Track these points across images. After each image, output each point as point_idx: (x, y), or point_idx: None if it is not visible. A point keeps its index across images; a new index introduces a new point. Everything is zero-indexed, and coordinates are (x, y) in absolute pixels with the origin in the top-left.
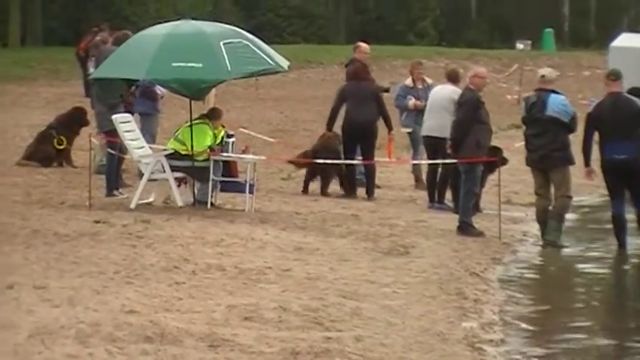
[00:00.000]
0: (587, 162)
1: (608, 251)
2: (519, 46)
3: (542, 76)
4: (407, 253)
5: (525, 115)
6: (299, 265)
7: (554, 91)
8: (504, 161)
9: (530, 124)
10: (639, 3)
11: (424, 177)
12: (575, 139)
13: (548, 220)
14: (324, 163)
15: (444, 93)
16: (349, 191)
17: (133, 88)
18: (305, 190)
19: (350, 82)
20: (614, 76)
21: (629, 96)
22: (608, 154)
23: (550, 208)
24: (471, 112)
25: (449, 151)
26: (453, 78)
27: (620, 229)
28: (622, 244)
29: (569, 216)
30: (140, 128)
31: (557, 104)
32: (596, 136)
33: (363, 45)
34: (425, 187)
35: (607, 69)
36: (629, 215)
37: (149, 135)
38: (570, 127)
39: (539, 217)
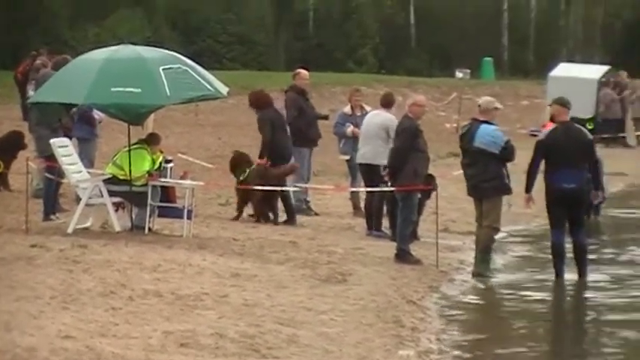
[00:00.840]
0: (529, 189)
1: (545, 280)
2: (458, 74)
3: (479, 105)
4: (345, 280)
5: (459, 145)
6: (236, 292)
7: (487, 122)
8: (435, 187)
9: (463, 154)
10: (577, 34)
11: (362, 204)
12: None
13: (475, 252)
14: (258, 190)
15: (377, 120)
16: (290, 218)
17: (73, 111)
18: (238, 217)
19: (273, 109)
20: (565, 104)
21: (579, 126)
22: (558, 183)
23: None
24: (409, 141)
25: (386, 178)
26: (386, 103)
27: (559, 259)
28: (559, 274)
29: (509, 245)
30: (78, 153)
31: (484, 135)
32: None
33: (302, 72)
34: (363, 215)
35: (546, 99)
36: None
37: (87, 159)
38: (502, 157)
39: (475, 244)
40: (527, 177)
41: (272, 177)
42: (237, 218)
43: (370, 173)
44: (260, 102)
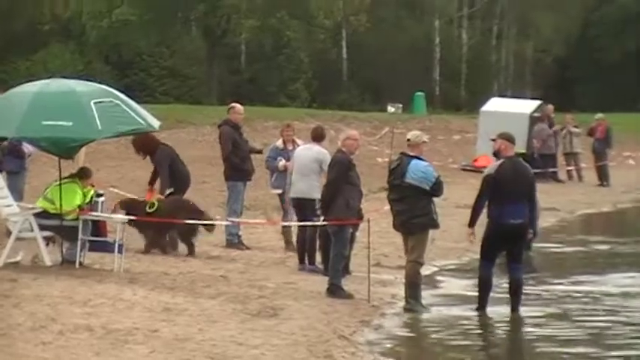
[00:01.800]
0: (473, 223)
1: (476, 314)
2: (390, 109)
3: (408, 140)
4: (276, 315)
5: (387, 180)
6: (167, 326)
7: (417, 157)
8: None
9: (391, 189)
10: (508, 69)
11: (294, 239)
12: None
13: (405, 287)
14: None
15: (310, 154)
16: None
17: (3, 144)
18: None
19: (163, 145)
20: (511, 139)
21: (525, 163)
22: (506, 218)
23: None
24: (341, 174)
25: (319, 212)
26: (316, 136)
27: (486, 291)
28: (483, 306)
29: (440, 279)
30: (7, 186)
31: (416, 171)
32: None
33: (237, 106)
34: (295, 249)
35: (477, 133)
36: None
37: (16, 193)
38: (432, 193)
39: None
40: (472, 211)
41: (193, 209)
42: (147, 251)
43: (303, 208)
44: (149, 146)
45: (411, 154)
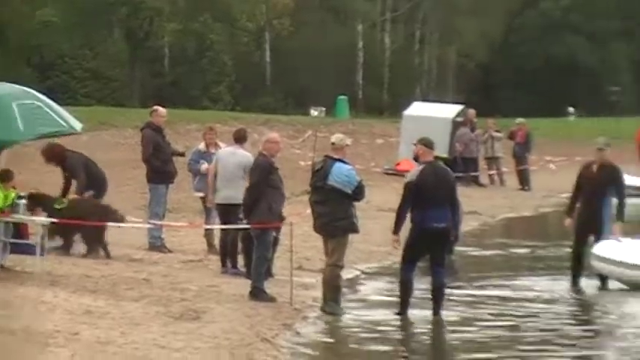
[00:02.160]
0: (397, 230)
1: (397, 318)
2: (313, 112)
3: (332, 143)
4: (198, 318)
5: (310, 182)
6: (89, 329)
7: (341, 160)
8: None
9: (314, 192)
10: (431, 73)
11: (217, 242)
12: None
13: (323, 290)
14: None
15: (234, 160)
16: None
17: None
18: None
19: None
20: (430, 145)
21: (445, 167)
22: (429, 222)
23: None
24: (263, 178)
25: (241, 215)
26: (239, 138)
27: (407, 295)
28: (404, 310)
29: (362, 282)
30: None
31: (339, 174)
32: None
33: (160, 109)
34: (217, 252)
35: (400, 137)
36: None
37: None
38: (354, 197)
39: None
40: (396, 218)
41: (108, 211)
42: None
43: (228, 212)
44: (58, 155)
45: (335, 157)
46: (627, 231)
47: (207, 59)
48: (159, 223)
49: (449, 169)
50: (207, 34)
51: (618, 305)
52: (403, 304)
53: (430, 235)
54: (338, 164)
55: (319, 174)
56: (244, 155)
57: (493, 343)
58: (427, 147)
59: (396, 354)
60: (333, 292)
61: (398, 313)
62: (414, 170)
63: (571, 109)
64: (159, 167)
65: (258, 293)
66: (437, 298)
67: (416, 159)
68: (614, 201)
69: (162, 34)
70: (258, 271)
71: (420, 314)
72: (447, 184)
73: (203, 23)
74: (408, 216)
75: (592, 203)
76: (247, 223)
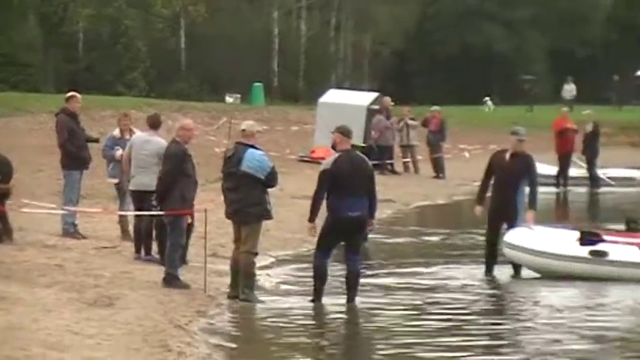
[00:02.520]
0: (313, 218)
1: (312, 305)
2: (228, 99)
3: (243, 130)
4: (112, 304)
5: (222, 168)
6: (2, 315)
7: (253, 146)
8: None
9: (226, 178)
10: (346, 61)
11: (131, 228)
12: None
13: (240, 278)
14: None
15: (149, 147)
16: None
17: None
18: None
19: None
20: (347, 133)
21: (362, 155)
22: (344, 211)
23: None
24: (176, 165)
25: (154, 202)
26: (153, 123)
27: (321, 282)
28: (319, 297)
29: (277, 270)
30: None
31: (252, 160)
32: None
33: (77, 95)
34: (131, 239)
35: (316, 124)
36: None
37: None
38: (266, 183)
39: (232, 267)
40: (311, 206)
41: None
42: None
43: (142, 199)
44: None
45: (247, 143)
46: (538, 219)
47: (122, 45)
48: (72, 209)
49: (366, 158)
50: (122, 19)
51: (529, 293)
52: (317, 291)
53: (345, 224)
54: (250, 150)
55: (232, 160)
56: (158, 142)
57: (406, 330)
58: (344, 135)
59: (310, 341)
60: (247, 279)
61: (312, 300)
62: (329, 158)
63: (487, 99)
64: (73, 153)
65: (171, 280)
66: (351, 286)
67: (334, 147)
68: (527, 189)
69: (77, 20)
70: (172, 258)
71: (334, 301)
72: (363, 172)
73: (117, 9)
74: (325, 203)
75: (505, 192)
76: (160, 210)
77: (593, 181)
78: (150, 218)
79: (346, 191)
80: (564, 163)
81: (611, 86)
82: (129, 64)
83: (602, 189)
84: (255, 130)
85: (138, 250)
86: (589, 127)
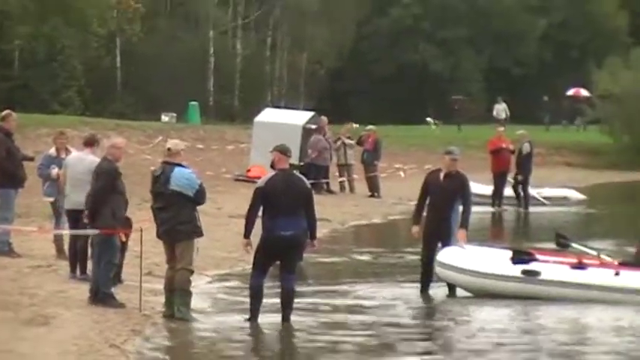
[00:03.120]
0: (247, 234)
1: (245, 325)
2: (164, 118)
3: (169, 149)
4: (47, 323)
5: (151, 188)
6: None
7: (180, 165)
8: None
9: (155, 198)
10: (282, 80)
11: (66, 247)
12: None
13: (175, 296)
14: None
15: (83, 166)
16: None
17: None
18: None
19: None
20: (285, 152)
21: (299, 174)
22: (276, 230)
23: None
24: (108, 183)
25: (86, 220)
26: (89, 141)
27: (257, 301)
28: (255, 316)
29: (213, 289)
30: None
31: (180, 178)
32: None
33: (13, 114)
34: (67, 257)
35: (252, 143)
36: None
37: None
38: (196, 200)
39: (166, 286)
40: (245, 223)
41: None
42: None
43: (77, 218)
44: None
45: (174, 161)
46: (472, 238)
47: (58, 63)
48: (7, 227)
49: (303, 177)
50: (59, 38)
51: (459, 312)
52: (253, 310)
53: (277, 243)
54: (178, 169)
55: (160, 180)
56: (93, 161)
57: (341, 348)
58: (283, 154)
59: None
60: (183, 296)
61: (248, 319)
62: (265, 176)
63: (429, 119)
64: (10, 172)
65: (106, 299)
66: (286, 305)
67: (272, 166)
68: (460, 208)
69: (13, 38)
70: (106, 277)
71: (271, 320)
72: (299, 192)
73: (54, 27)
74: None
75: (440, 211)
76: (92, 228)
77: (526, 200)
78: (86, 237)
79: (279, 210)
80: (499, 182)
81: (541, 106)
82: (65, 83)
83: (538, 209)
84: (180, 148)
85: (73, 270)
86: (527, 147)
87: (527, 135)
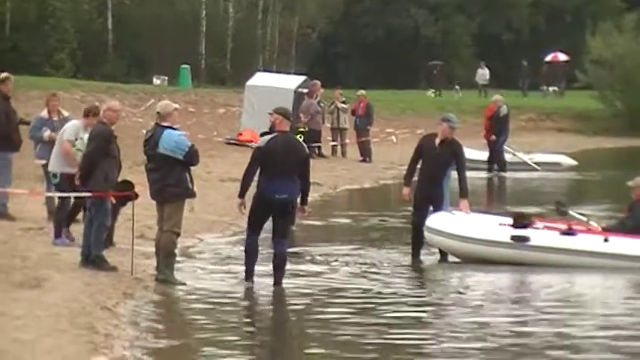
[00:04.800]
0: (242, 194)
1: (235, 285)
2: (156, 81)
3: (158, 112)
4: (39, 286)
5: (143, 150)
6: None
7: (170, 127)
8: (136, 196)
9: (148, 159)
10: (274, 43)
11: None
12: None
13: (157, 257)
14: None
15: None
16: None
17: None
18: None
19: None
20: (287, 115)
21: (299, 139)
22: (271, 192)
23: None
24: (101, 146)
25: (77, 182)
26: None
27: (252, 260)
28: (249, 277)
29: (202, 252)
30: None
31: (168, 141)
32: None
33: (11, 77)
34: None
35: (243, 107)
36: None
37: None
38: (186, 162)
39: (157, 248)
40: (241, 182)
41: None
42: None
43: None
44: None
45: (164, 124)
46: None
47: (49, 26)
48: (3, 190)
49: (302, 142)
50: (49, 0)
51: (449, 278)
52: (248, 270)
53: (271, 205)
54: (167, 131)
55: (150, 142)
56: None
57: (332, 317)
58: (284, 117)
59: (239, 324)
60: (168, 258)
61: (245, 280)
62: (264, 137)
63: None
64: (8, 135)
65: (98, 262)
66: (278, 268)
67: (272, 129)
68: (452, 174)
69: (4, 0)
70: (98, 240)
71: (263, 282)
72: (297, 156)
73: None
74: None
75: (433, 177)
76: (83, 190)
77: (503, 164)
78: (76, 200)
79: (275, 172)
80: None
81: (521, 72)
82: (56, 45)
83: (530, 174)
84: (170, 109)
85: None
86: (504, 110)
87: (501, 98)
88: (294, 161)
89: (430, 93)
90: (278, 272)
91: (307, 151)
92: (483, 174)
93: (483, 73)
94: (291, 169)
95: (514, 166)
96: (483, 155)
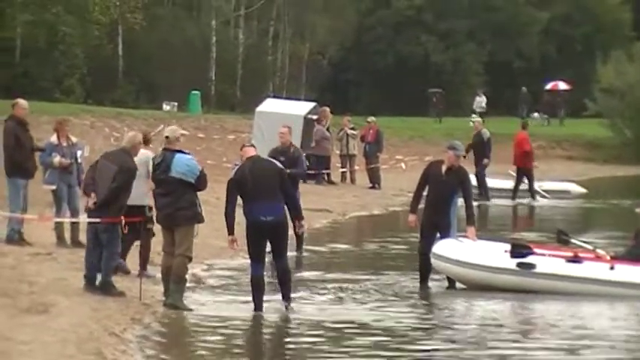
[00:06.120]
0: (230, 230)
1: (244, 311)
2: (166, 107)
3: (167, 137)
4: (46, 311)
5: (152, 175)
6: None
7: (180, 151)
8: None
9: (157, 184)
10: (284, 70)
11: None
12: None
13: (164, 283)
14: None
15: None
16: None
17: None
18: None
19: None
20: (248, 143)
21: (268, 158)
22: (255, 215)
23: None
24: (128, 183)
25: (91, 206)
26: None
27: (257, 292)
28: (258, 307)
29: (212, 278)
30: None
31: (181, 164)
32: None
33: (20, 101)
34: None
35: (252, 133)
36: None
37: None
38: (197, 186)
39: (163, 274)
40: (225, 219)
41: None
42: None
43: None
44: None
45: (173, 148)
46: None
47: (59, 52)
48: (6, 215)
49: (273, 161)
50: (60, 25)
51: (455, 304)
52: (256, 302)
53: (260, 228)
54: (178, 155)
55: (161, 166)
56: (144, 153)
57: (343, 350)
58: (246, 146)
59: (247, 351)
60: (178, 283)
61: (254, 309)
62: (234, 168)
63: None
64: (19, 161)
65: (107, 287)
66: (282, 283)
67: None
68: (459, 201)
69: (14, 25)
70: (109, 266)
71: (274, 307)
72: (268, 173)
73: (55, 15)
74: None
75: (440, 204)
76: (96, 216)
77: (486, 191)
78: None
79: (253, 196)
80: (529, 177)
81: (520, 98)
82: (66, 71)
83: (541, 202)
84: (178, 134)
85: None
86: (486, 133)
87: (481, 121)
88: (267, 179)
89: (538, 119)
90: (283, 287)
91: (279, 165)
92: (508, 201)
93: (480, 101)
94: (268, 189)
95: (521, 192)
96: (507, 184)
